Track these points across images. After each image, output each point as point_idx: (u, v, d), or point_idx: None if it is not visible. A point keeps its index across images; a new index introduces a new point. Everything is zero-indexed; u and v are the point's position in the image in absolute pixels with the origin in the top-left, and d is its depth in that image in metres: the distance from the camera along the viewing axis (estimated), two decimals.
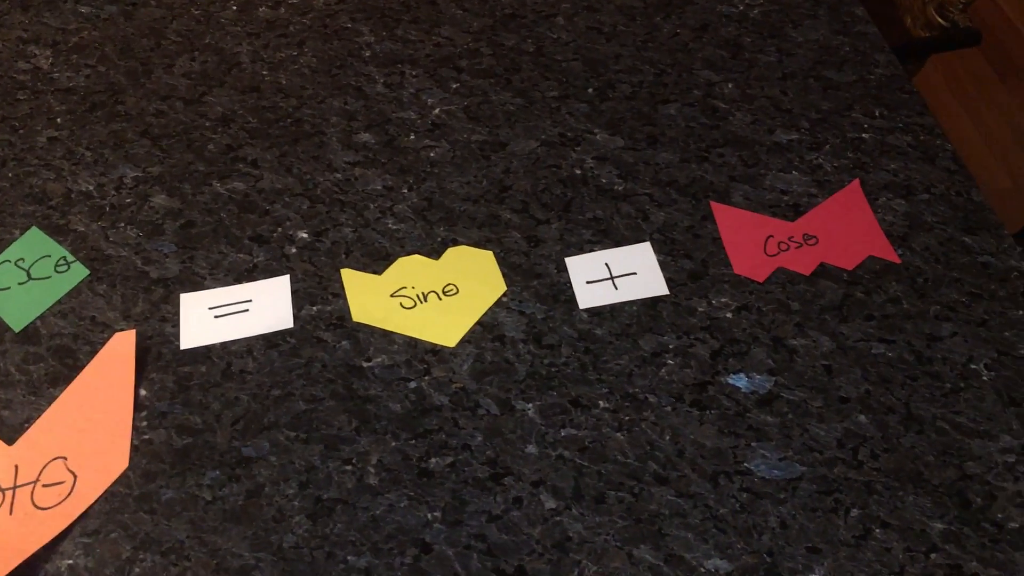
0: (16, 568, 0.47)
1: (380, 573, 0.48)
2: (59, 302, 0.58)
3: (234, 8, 0.76)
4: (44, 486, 0.50)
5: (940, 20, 0.92)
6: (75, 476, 0.51)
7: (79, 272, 0.59)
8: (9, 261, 0.60)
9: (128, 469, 0.51)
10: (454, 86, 0.71)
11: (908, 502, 0.50)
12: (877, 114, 0.68)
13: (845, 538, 0.49)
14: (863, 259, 0.60)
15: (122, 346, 0.56)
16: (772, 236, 0.62)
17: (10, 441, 0.52)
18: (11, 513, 0.49)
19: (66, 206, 0.63)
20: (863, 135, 0.67)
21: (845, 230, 0.62)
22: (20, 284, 0.59)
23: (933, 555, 0.48)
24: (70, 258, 0.60)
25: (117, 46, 0.73)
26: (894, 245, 0.61)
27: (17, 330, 0.57)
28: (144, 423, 0.53)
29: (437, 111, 0.69)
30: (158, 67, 0.72)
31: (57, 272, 0.59)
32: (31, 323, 0.57)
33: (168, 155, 0.66)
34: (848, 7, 0.76)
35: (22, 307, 0.58)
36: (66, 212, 0.63)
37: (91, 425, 0.53)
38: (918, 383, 0.54)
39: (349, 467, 0.52)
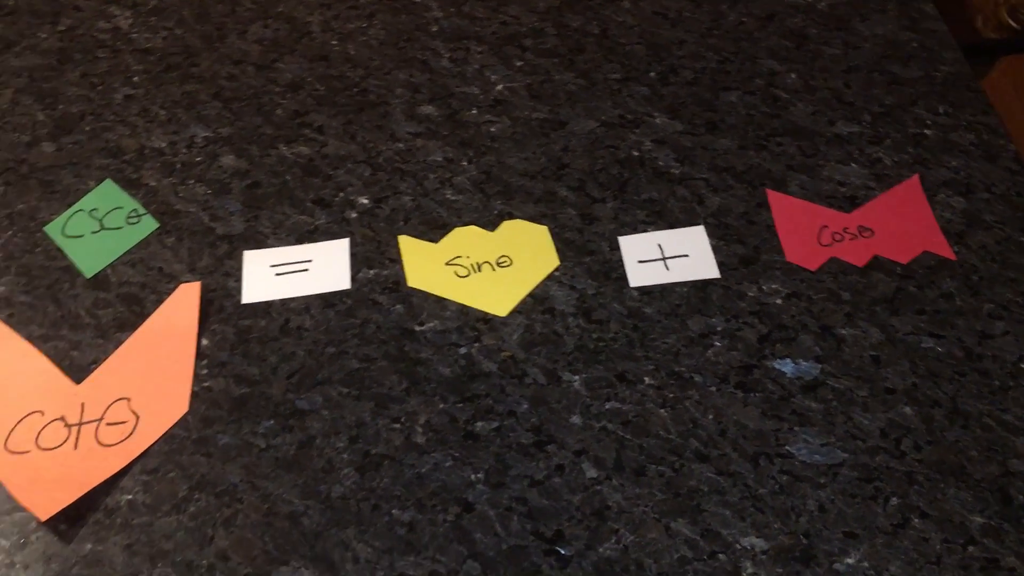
0: (78, 500, 0.50)
1: (423, 528, 0.49)
2: (129, 252, 0.61)
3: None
4: (108, 424, 0.53)
5: (1011, 22, 0.91)
6: (137, 417, 0.53)
7: (149, 224, 0.62)
8: (83, 211, 0.62)
9: (187, 414, 0.53)
10: (518, 64, 0.72)
11: (949, 494, 0.50)
12: (941, 111, 0.68)
13: (883, 525, 0.49)
14: (918, 254, 0.60)
15: (187, 297, 0.58)
16: (827, 226, 0.62)
17: (78, 380, 0.55)
18: (76, 448, 0.52)
19: (139, 161, 0.65)
20: (925, 131, 0.67)
21: (901, 224, 0.62)
22: (93, 233, 0.61)
23: (971, 548, 0.48)
24: (141, 210, 0.62)
25: (194, 10, 0.75)
26: (950, 242, 0.60)
27: (88, 276, 0.59)
28: (204, 371, 0.55)
29: (500, 87, 0.70)
30: (232, 32, 0.74)
31: (128, 223, 0.62)
32: (102, 270, 0.60)
33: (238, 117, 0.68)
34: (918, 3, 0.75)
35: (94, 255, 0.60)
36: (139, 167, 0.65)
37: (154, 370, 0.55)
38: (966, 379, 0.54)
39: (397, 425, 0.53)
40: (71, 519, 0.50)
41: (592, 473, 0.51)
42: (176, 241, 0.61)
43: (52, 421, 0.53)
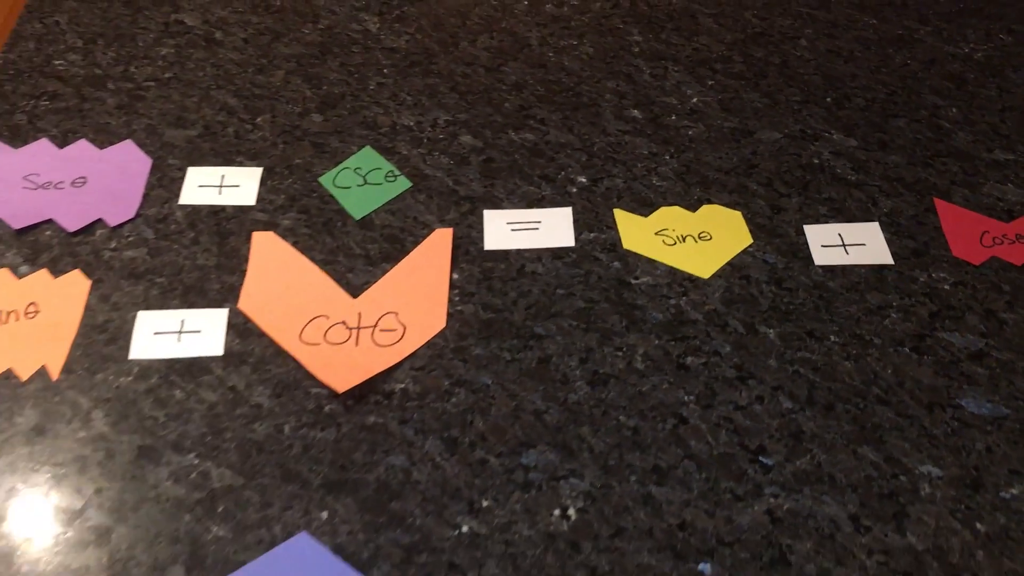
0: (360, 384, 0.61)
1: (645, 432, 0.59)
2: (388, 203, 0.72)
3: (525, 2, 0.91)
4: (381, 330, 0.64)
5: None
6: (404, 327, 0.64)
7: (403, 183, 0.74)
8: (349, 168, 0.75)
9: (445, 329, 0.64)
10: (710, 83, 0.83)
11: None
12: None
13: None
14: None
15: (442, 238, 0.69)
16: (987, 232, 0.71)
17: (354, 295, 0.66)
18: (356, 345, 0.63)
19: (392, 134, 0.78)
20: None
21: None
22: (358, 186, 0.73)
23: None
24: (396, 172, 0.74)
25: (431, 21, 0.89)
26: None
27: (357, 218, 0.71)
28: (456, 299, 0.66)
29: (695, 100, 0.81)
30: (463, 40, 0.87)
31: (387, 181, 0.74)
32: (367, 215, 0.71)
33: (472, 107, 0.80)
34: None
35: (360, 202, 0.72)
36: (392, 139, 0.77)
37: (416, 292, 0.66)
38: None
39: (620, 354, 0.63)
40: (355, 398, 0.60)
41: (788, 404, 0.60)
42: (426, 198, 0.73)
43: (335, 324, 0.64)
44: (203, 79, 0.82)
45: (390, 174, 0.74)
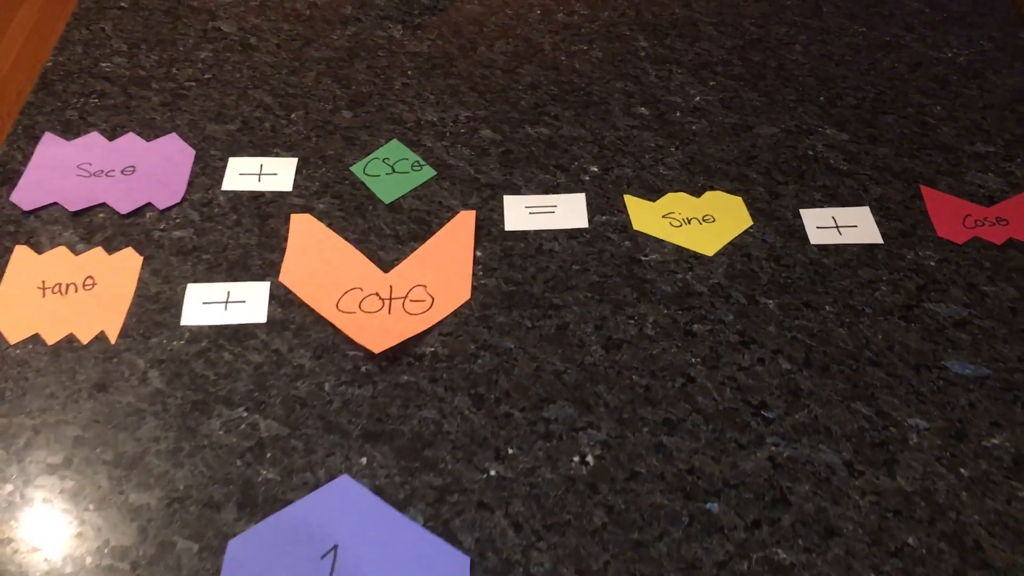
0: (393, 347, 0.66)
1: (657, 390, 0.64)
2: (414, 190, 0.78)
3: (538, 12, 0.97)
4: (411, 301, 0.69)
5: None
6: (432, 299, 0.69)
7: (428, 172, 0.79)
8: (378, 159, 0.81)
9: (469, 300, 0.70)
10: (711, 83, 0.89)
11: None
12: None
13: (1022, 420, 0.62)
14: None
15: (465, 220, 0.75)
16: (969, 215, 0.77)
17: (385, 271, 0.72)
18: (389, 313, 0.68)
19: (417, 129, 0.84)
20: None
21: None
22: (387, 174, 0.79)
23: None
24: (422, 162, 0.80)
25: (450, 28, 0.95)
26: None
27: (386, 202, 0.77)
28: (480, 273, 0.72)
29: (697, 99, 0.88)
30: (481, 45, 0.93)
31: (413, 170, 0.80)
32: (396, 200, 0.77)
33: (491, 104, 0.86)
34: None
35: (389, 188, 0.78)
36: (418, 132, 0.83)
37: (443, 268, 0.71)
38: None
39: (632, 321, 0.69)
40: (389, 359, 0.66)
41: (786, 365, 0.66)
42: (450, 185, 0.79)
43: (369, 295, 0.69)
44: (240, 80, 0.88)
45: (416, 164, 0.80)
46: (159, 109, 0.84)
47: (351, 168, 0.80)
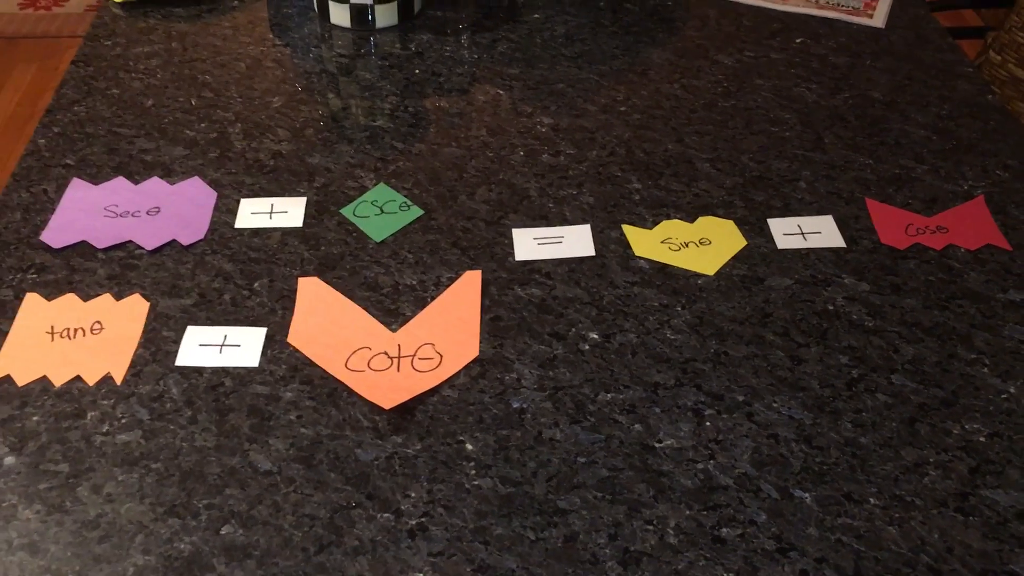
0: (406, 402, 0.66)
1: None
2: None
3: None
4: (420, 359, 0.70)
5: None
6: (441, 356, 0.70)
7: (416, 211, 0.83)
8: (367, 201, 0.84)
9: (479, 356, 0.70)
10: None
11: None
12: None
13: None
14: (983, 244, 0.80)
15: (471, 280, 0.76)
16: (912, 224, 0.82)
17: (393, 329, 0.72)
18: (398, 371, 0.69)
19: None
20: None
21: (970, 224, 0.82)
22: (376, 215, 0.82)
23: None
24: (409, 203, 0.84)
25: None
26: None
27: (377, 240, 0.80)
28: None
29: None
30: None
31: (400, 210, 0.83)
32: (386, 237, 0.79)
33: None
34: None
35: (379, 228, 0.81)
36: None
37: (450, 326, 0.72)
38: None
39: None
40: (400, 412, 0.65)
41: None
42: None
43: (378, 354, 0.70)
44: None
45: (404, 204, 0.84)
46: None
47: (341, 211, 0.83)
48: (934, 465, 0.63)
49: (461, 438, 0.65)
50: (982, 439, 0.65)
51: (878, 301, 0.75)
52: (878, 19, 1.11)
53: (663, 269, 0.78)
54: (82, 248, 0.79)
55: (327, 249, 0.79)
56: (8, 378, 0.68)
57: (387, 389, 0.67)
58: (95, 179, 0.86)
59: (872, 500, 0.61)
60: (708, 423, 0.66)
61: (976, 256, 0.79)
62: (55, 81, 2.47)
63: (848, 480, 0.62)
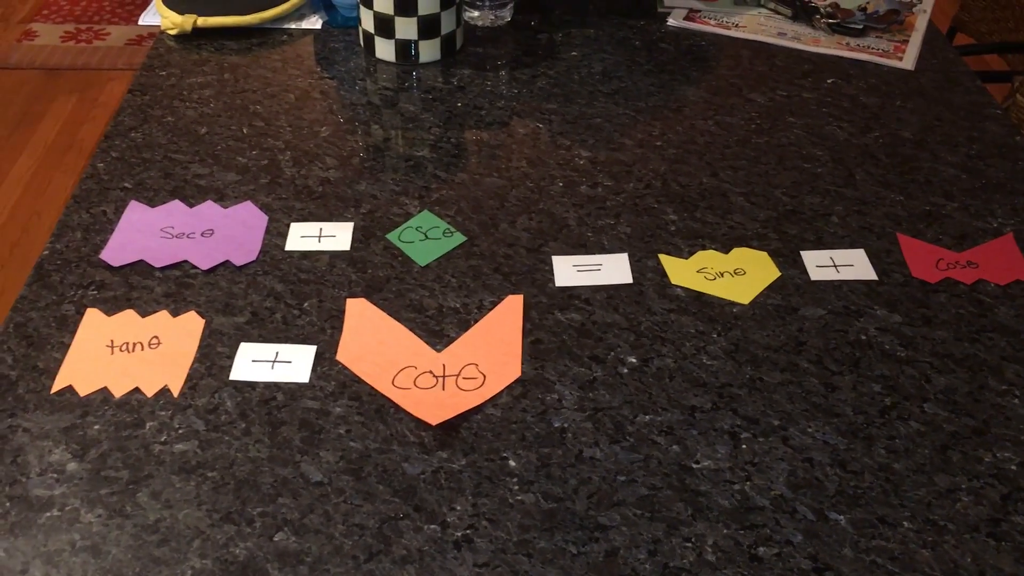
0: (451, 418, 0.69)
1: None
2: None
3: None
4: (464, 378, 0.72)
5: None
6: (484, 376, 0.72)
7: (459, 238, 0.86)
8: (411, 227, 0.87)
9: (521, 376, 0.72)
10: None
11: None
12: None
13: None
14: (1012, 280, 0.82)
15: (513, 304, 0.79)
16: (942, 259, 0.85)
17: (438, 349, 0.75)
18: (443, 390, 0.71)
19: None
20: None
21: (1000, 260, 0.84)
22: (420, 241, 0.86)
23: None
24: (452, 229, 0.87)
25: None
26: None
27: (422, 265, 0.83)
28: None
29: None
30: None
31: (444, 236, 0.86)
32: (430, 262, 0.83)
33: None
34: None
35: (424, 252, 0.85)
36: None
37: (492, 347, 0.75)
38: None
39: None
40: (445, 428, 0.67)
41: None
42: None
43: (423, 373, 0.73)
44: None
45: (447, 231, 0.87)
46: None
47: (387, 236, 0.86)
48: (966, 491, 0.65)
49: (504, 455, 0.67)
50: (1013, 467, 0.66)
51: (910, 332, 0.77)
52: (908, 62, 1.14)
53: (699, 297, 0.80)
54: (140, 267, 0.82)
55: (374, 272, 0.82)
56: (70, 388, 0.71)
57: (433, 406, 0.69)
58: (152, 202, 0.89)
59: (906, 524, 0.62)
60: (744, 446, 0.68)
61: (1006, 291, 0.81)
62: (95, 112, 2.54)
63: (882, 504, 0.64)
